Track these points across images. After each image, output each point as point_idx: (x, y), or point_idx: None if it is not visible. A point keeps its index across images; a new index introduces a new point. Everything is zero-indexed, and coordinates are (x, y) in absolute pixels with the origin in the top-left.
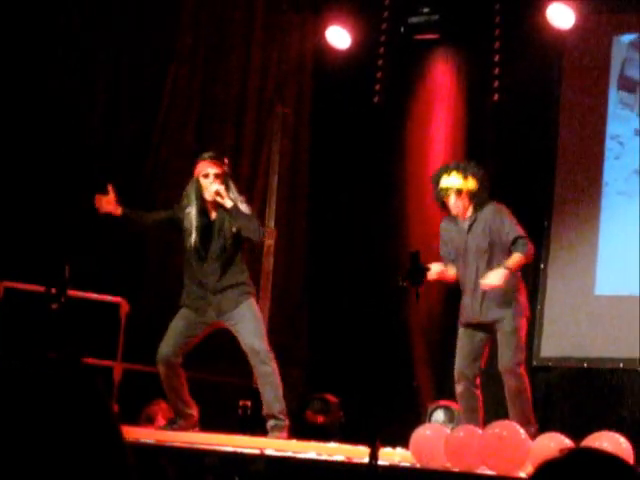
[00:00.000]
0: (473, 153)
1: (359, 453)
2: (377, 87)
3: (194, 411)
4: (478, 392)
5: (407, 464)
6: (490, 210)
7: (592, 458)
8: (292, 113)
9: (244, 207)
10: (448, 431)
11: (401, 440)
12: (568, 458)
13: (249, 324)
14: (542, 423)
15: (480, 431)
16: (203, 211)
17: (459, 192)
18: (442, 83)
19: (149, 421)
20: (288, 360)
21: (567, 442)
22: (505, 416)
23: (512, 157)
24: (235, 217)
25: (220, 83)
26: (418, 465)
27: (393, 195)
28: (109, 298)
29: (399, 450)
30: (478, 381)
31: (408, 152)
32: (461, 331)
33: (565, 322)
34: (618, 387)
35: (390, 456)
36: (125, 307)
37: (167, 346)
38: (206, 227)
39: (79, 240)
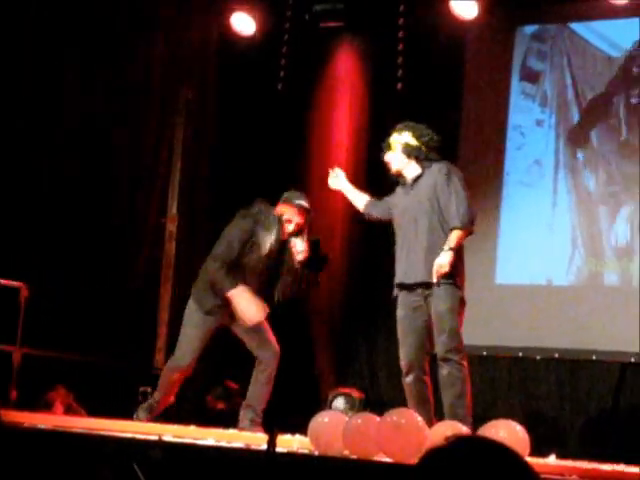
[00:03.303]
0: (376, 142)
1: (258, 440)
2: (281, 74)
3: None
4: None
5: (305, 451)
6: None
7: (476, 446)
8: (196, 98)
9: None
10: (346, 418)
11: (301, 427)
12: (452, 446)
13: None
14: (440, 410)
15: (378, 419)
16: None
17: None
18: (346, 71)
19: (47, 407)
20: None
21: (464, 430)
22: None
23: None
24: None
25: (123, 67)
26: (316, 452)
27: (296, 183)
28: (9, 282)
29: (298, 437)
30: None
31: (311, 140)
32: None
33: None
34: (519, 375)
35: (289, 443)
36: (25, 291)
37: (187, 358)
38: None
39: None
